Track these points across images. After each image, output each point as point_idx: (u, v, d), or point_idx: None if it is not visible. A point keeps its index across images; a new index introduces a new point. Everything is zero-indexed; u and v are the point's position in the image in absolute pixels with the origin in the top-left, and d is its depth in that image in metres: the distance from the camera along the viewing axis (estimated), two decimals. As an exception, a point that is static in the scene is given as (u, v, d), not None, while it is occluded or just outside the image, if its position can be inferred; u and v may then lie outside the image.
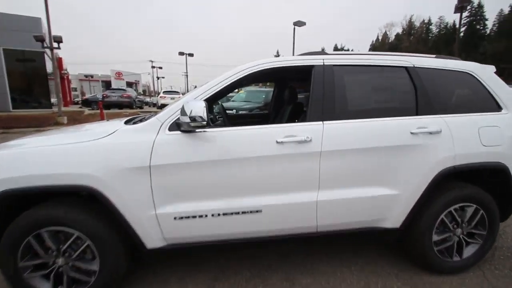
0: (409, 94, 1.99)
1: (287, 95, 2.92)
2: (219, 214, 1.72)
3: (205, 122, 1.56)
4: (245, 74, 1.83)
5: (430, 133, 1.89)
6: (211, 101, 1.85)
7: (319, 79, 1.87)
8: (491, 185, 2.11)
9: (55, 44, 11.76)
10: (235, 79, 1.82)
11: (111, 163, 1.58)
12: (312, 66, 1.90)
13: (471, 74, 2.12)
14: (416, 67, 2.02)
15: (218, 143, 1.70)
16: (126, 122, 1.99)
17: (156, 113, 1.84)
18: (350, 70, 1.95)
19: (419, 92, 1.98)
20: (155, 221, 1.67)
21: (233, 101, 10.22)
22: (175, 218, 1.68)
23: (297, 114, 2.81)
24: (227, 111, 9.23)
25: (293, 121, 2.79)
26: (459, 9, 16.86)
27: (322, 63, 1.90)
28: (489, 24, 55.98)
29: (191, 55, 30.27)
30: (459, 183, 2.04)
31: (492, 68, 2.22)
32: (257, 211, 1.76)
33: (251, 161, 1.71)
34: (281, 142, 1.73)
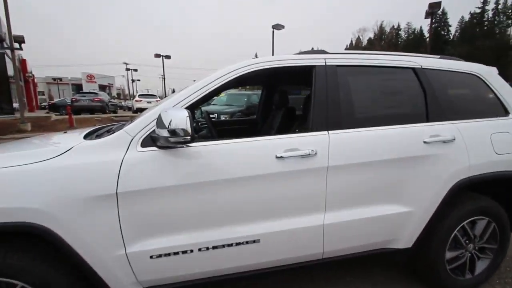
0: (418, 98, 1.79)
1: (277, 99, 2.65)
2: (208, 248, 1.40)
3: (189, 137, 1.24)
4: (235, 75, 1.53)
5: (444, 141, 1.69)
6: (194, 108, 1.52)
7: (322, 81, 1.61)
8: (501, 195, 1.97)
9: (16, 45, 10.80)
10: (223, 82, 1.51)
11: (63, 192, 1.21)
12: (313, 67, 1.64)
13: (478, 76, 1.97)
14: (424, 68, 1.83)
15: (205, 161, 1.38)
16: (87, 136, 1.60)
17: (132, 119, 1.47)
18: (355, 71, 1.71)
19: (428, 95, 1.78)
20: (125, 262, 1.31)
21: (214, 104, 9.83)
22: (151, 257, 1.34)
23: (290, 120, 2.55)
24: (208, 116, 8.87)
25: (285, 128, 2.55)
26: (429, 14, 17.78)
27: (324, 63, 1.65)
28: (452, 30, 59.96)
29: (168, 57, 29.36)
30: (472, 195, 1.87)
31: (495, 70, 2.09)
32: (254, 241, 1.45)
33: (246, 181, 1.41)
34: (281, 157, 1.44)
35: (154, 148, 1.34)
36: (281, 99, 2.62)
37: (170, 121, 1.21)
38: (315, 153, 1.48)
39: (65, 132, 1.86)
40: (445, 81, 1.86)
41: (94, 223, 1.25)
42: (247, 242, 1.44)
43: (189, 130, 1.23)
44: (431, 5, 16.80)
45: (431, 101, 1.77)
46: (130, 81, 47.09)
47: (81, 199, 1.23)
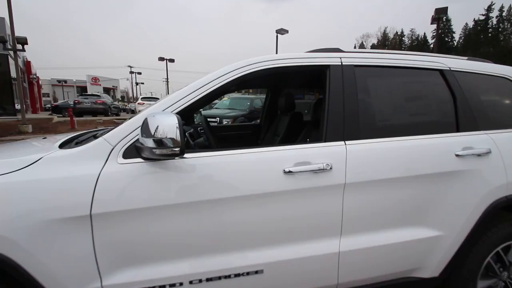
0: (447, 104, 1.56)
1: (283, 103, 2.43)
2: (200, 280, 1.17)
3: (178, 149, 1.02)
4: (235, 76, 1.31)
5: (478, 155, 1.45)
6: (189, 112, 1.30)
7: (337, 83, 1.39)
8: None
9: (19, 46, 10.70)
10: (222, 83, 1.29)
11: (26, 213, 0.99)
12: (326, 67, 1.42)
13: (510, 80, 1.74)
14: (453, 70, 1.60)
15: (201, 176, 1.16)
16: (66, 143, 1.39)
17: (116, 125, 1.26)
18: (375, 72, 1.48)
19: (458, 101, 1.55)
20: None
21: (216, 108, 9.66)
22: None
23: (297, 126, 2.33)
24: (209, 120, 8.72)
25: (292, 135, 2.32)
26: (435, 20, 17.58)
27: (339, 63, 1.43)
28: (456, 36, 59.86)
29: (171, 60, 29.34)
30: (509, 216, 1.62)
31: None
32: (256, 272, 1.22)
33: (248, 201, 1.18)
34: (290, 171, 1.21)
35: (139, 160, 1.12)
36: (287, 103, 2.40)
37: (157, 128, 0.99)
38: (330, 168, 1.25)
39: (45, 138, 1.65)
40: (476, 85, 1.63)
41: (63, 250, 1.03)
42: (248, 273, 1.21)
43: (179, 139, 1.01)
44: (437, 11, 16.59)
45: (461, 108, 1.54)
46: (134, 84, 47.28)
47: (48, 222, 1.01)
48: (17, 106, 15.95)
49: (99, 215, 1.05)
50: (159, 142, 0.99)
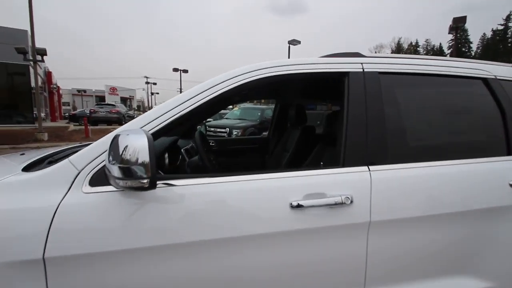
0: (494, 120, 1.27)
1: (293, 115, 2.18)
2: None
3: (146, 181, 0.79)
4: (236, 84, 1.08)
5: (540, 185, 1.15)
6: (172, 131, 1.06)
7: (358, 94, 1.14)
8: None
9: (38, 57, 11.10)
10: (218, 93, 1.06)
11: None
12: (345, 74, 1.17)
13: None
14: (500, 79, 1.32)
15: (187, 208, 0.92)
16: (36, 164, 1.18)
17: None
18: (404, 81, 1.22)
19: (508, 117, 1.26)
20: None
21: (226, 118, 9.52)
22: None
23: (308, 142, 2.07)
24: (219, 130, 8.52)
25: (302, 152, 2.07)
26: (453, 29, 17.04)
27: (361, 69, 1.18)
28: (473, 47, 58.14)
29: (185, 71, 29.87)
30: None
31: None
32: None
33: (245, 243, 0.93)
34: (299, 205, 0.96)
35: (110, 188, 0.89)
36: (297, 116, 2.16)
37: (124, 151, 0.77)
38: (350, 201, 0.98)
39: (23, 154, 1.47)
40: None
41: None
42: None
43: (149, 167, 0.77)
44: (455, 20, 16.08)
45: None
46: (150, 94, 48.46)
47: None
48: (42, 115, 16.55)
49: (55, 260, 0.83)
50: (126, 171, 0.77)
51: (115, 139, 0.80)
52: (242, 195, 0.96)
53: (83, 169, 0.91)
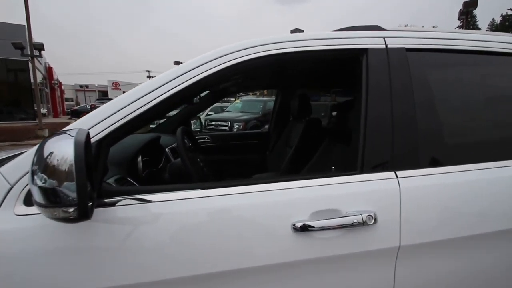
0: None
1: (296, 106, 1.92)
2: None
3: (71, 209, 0.54)
4: (226, 65, 0.81)
5: None
6: (127, 133, 0.80)
7: (381, 76, 0.87)
8: None
9: (36, 52, 10.89)
10: (203, 76, 0.79)
11: None
12: (363, 51, 0.90)
13: None
14: None
15: (166, 229, 0.69)
16: None
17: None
18: (440, 59, 0.95)
19: None
20: None
21: (227, 111, 9.25)
22: None
23: (314, 136, 1.82)
24: (220, 124, 8.27)
25: (307, 146, 1.82)
26: (463, 14, 16.36)
27: (383, 45, 0.90)
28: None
29: (187, 64, 29.57)
30: None
31: None
32: None
33: (236, 278, 0.70)
34: (303, 226, 0.71)
35: None
36: (301, 107, 1.90)
37: (46, 166, 0.53)
38: (374, 220, 0.73)
39: None
40: None
41: None
42: None
43: (77, 186, 0.53)
44: (466, 4, 15.41)
45: None
46: (151, 88, 48.12)
47: None
48: (43, 111, 16.50)
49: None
50: (50, 194, 0.52)
51: (41, 148, 0.56)
52: (230, 216, 0.72)
53: (16, 183, 0.68)
